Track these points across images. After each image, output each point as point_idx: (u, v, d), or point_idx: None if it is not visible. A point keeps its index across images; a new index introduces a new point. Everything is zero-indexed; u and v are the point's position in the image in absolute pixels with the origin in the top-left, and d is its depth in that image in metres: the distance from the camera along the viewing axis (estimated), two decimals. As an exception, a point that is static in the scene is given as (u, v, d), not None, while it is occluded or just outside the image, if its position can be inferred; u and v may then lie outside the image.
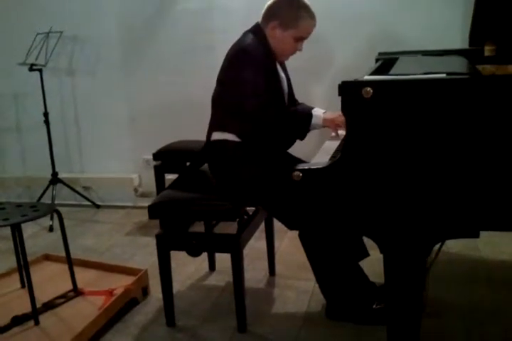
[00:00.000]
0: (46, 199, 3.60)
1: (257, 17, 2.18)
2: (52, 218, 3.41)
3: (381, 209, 1.50)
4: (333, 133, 2.17)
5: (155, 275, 2.29)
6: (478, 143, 1.41)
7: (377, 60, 2.49)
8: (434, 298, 2.22)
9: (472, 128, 1.40)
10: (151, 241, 2.66)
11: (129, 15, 3.55)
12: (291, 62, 2.26)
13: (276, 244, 2.69)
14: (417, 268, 1.54)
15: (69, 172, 3.91)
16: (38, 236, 3.33)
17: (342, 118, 2.06)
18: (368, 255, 2.19)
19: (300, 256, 2.34)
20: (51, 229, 3.40)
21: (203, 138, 2.21)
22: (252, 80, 1.98)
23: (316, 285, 2.26)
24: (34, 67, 3.46)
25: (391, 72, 1.74)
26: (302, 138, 2.08)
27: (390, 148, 1.46)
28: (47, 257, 2.71)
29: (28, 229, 3.31)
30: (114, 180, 3.84)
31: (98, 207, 3.86)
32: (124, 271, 2.50)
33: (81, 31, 3.63)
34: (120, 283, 2.35)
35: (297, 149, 2.19)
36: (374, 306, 2.11)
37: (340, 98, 1.48)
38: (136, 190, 3.82)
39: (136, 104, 3.70)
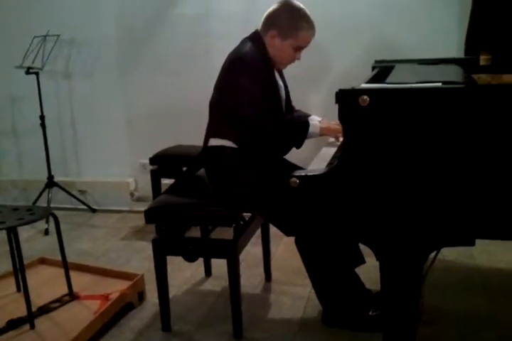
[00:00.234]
0: (42, 203, 3.60)
1: (255, 23, 2.19)
2: (47, 222, 3.40)
3: (377, 216, 1.51)
4: (332, 139, 2.18)
5: (151, 280, 2.29)
6: (473, 152, 1.42)
7: (373, 68, 2.50)
8: (429, 305, 2.23)
9: (468, 136, 1.42)
10: (147, 246, 2.66)
11: (126, 19, 3.56)
12: (289, 70, 2.27)
13: (273, 249, 2.70)
14: (413, 276, 1.56)
15: (65, 176, 3.90)
16: (33, 239, 3.33)
17: (337, 127, 2.08)
18: (364, 262, 2.20)
19: (296, 261, 2.35)
20: (47, 232, 3.40)
21: (200, 143, 2.22)
22: (249, 88, 1.98)
23: (312, 291, 2.27)
24: (31, 70, 3.46)
25: (387, 80, 1.76)
26: (298, 146, 2.07)
27: (386, 156, 1.47)
28: (43, 261, 2.71)
29: (24, 233, 3.30)
30: (110, 184, 3.84)
31: (94, 211, 3.86)
32: (120, 275, 2.50)
33: (78, 34, 3.64)
34: (116, 288, 2.35)
35: (294, 155, 2.20)
36: (370, 313, 2.12)
37: (337, 106, 1.50)
38: (132, 195, 3.83)
39: (133, 108, 3.70)
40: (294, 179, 1.55)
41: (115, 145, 3.79)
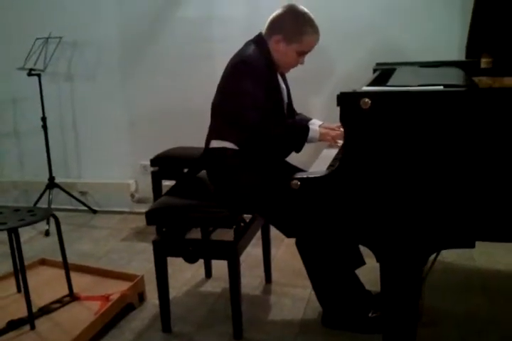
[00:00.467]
0: (42, 204, 3.60)
1: (257, 27, 2.20)
2: (48, 223, 3.41)
3: (378, 218, 1.52)
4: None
5: (151, 281, 2.30)
6: (474, 155, 1.43)
7: (374, 71, 2.51)
8: (429, 307, 2.23)
9: (468, 139, 1.43)
10: (148, 247, 2.66)
11: (128, 22, 3.57)
12: (291, 73, 2.28)
13: (273, 251, 2.70)
14: (413, 277, 1.56)
15: (66, 177, 3.91)
16: (34, 240, 3.33)
17: (337, 132, 2.08)
18: (364, 263, 2.20)
19: (296, 263, 2.35)
20: (47, 233, 3.40)
21: (201, 144, 2.23)
22: (251, 92, 1.99)
23: (312, 293, 2.27)
24: (33, 72, 3.47)
25: (389, 83, 1.77)
26: (298, 150, 2.08)
27: (387, 159, 1.48)
28: (43, 262, 2.71)
29: (25, 234, 3.30)
30: (111, 185, 3.84)
31: (95, 212, 3.86)
32: (121, 276, 2.50)
33: (80, 37, 3.64)
34: (116, 289, 2.35)
35: (295, 157, 2.20)
36: (370, 314, 2.12)
37: (338, 108, 1.51)
38: (132, 196, 3.83)
39: (135, 110, 3.71)
40: (295, 181, 1.56)
41: (116, 147, 3.80)
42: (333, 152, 2.04)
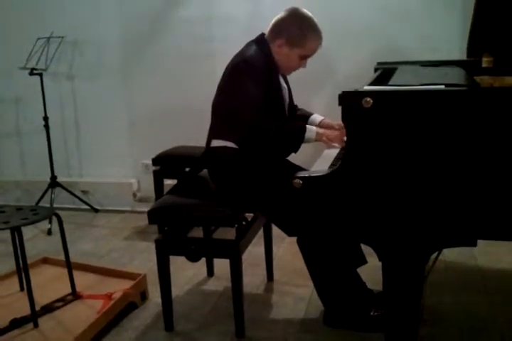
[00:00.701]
0: (45, 203, 3.61)
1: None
2: (51, 222, 3.41)
3: (380, 217, 1.52)
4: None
5: (153, 280, 2.31)
6: (475, 154, 1.44)
7: (376, 70, 2.52)
8: (430, 305, 2.24)
9: (470, 138, 1.43)
10: (150, 246, 2.68)
11: (129, 21, 3.58)
12: (292, 74, 2.27)
13: (275, 249, 2.71)
14: (415, 276, 1.57)
15: (68, 176, 3.92)
16: (36, 239, 3.34)
17: (334, 133, 2.07)
18: (365, 262, 2.21)
19: (298, 262, 2.36)
20: (50, 232, 3.41)
21: (203, 143, 2.24)
22: (250, 92, 2.00)
23: (314, 292, 2.27)
24: (35, 72, 3.48)
25: (390, 82, 1.77)
26: (295, 150, 2.07)
27: (389, 157, 1.48)
28: (46, 260, 2.72)
29: (27, 233, 3.30)
30: (112, 184, 3.85)
31: (96, 211, 3.87)
32: (123, 275, 2.51)
33: (81, 36, 3.66)
34: (119, 287, 2.36)
35: (297, 156, 2.20)
36: (371, 313, 2.13)
37: (340, 108, 1.51)
38: (134, 195, 3.84)
39: (136, 109, 3.72)
40: (297, 180, 1.56)
41: (118, 146, 3.80)
42: (334, 151, 2.05)
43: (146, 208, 2.21)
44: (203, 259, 2.51)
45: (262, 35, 2.17)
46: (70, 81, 3.80)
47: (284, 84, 2.23)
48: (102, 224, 3.64)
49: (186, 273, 2.71)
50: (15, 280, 2.43)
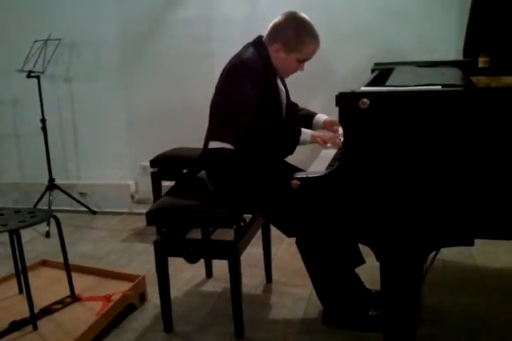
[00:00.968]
0: (43, 205, 3.61)
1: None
2: (49, 224, 3.41)
3: (378, 217, 1.53)
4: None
5: (152, 282, 2.31)
6: (472, 154, 1.44)
7: (372, 71, 2.52)
8: (429, 305, 2.24)
9: (466, 138, 1.44)
10: (148, 248, 2.68)
11: (127, 23, 3.58)
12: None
13: (273, 250, 2.71)
14: (413, 276, 1.57)
15: (66, 179, 3.93)
16: (35, 242, 3.34)
17: (328, 135, 2.08)
18: (363, 262, 2.22)
19: (297, 262, 2.36)
20: (48, 234, 3.41)
21: (201, 145, 2.24)
22: (246, 93, 2.00)
23: (313, 292, 2.28)
24: (32, 74, 3.48)
25: (387, 83, 1.78)
26: (291, 152, 2.08)
27: (386, 158, 1.49)
28: (44, 263, 2.72)
29: (26, 235, 3.29)
30: (110, 186, 3.85)
31: (94, 213, 3.87)
32: (122, 277, 2.51)
33: (79, 38, 3.66)
34: (118, 289, 2.36)
35: (294, 157, 2.21)
36: (370, 313, 2.13)
37: (337, 109, 1.52)
38: (132, 197, 3.84)
39: (134, 111, 3.72)
40: (295, 181, 1.57)
41: (116, 148, 3.81)
42: (332, 152, 2.05)
43: (144, 210, 2.21)
44: (202, 260, 2.52)
45: (260, 37, 2.17)
46: (67, 83, 3.80)
47: (281, 87, 2.24)
48: (100, 226, 3.64)
49: (185, 274, 2.72)
50: (14, 282, 2.43)
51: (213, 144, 2.15)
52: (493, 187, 1.45)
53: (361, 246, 1.98)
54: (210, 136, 2.19)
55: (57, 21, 3.63)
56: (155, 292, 2.27)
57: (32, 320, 2.10)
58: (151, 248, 2.17)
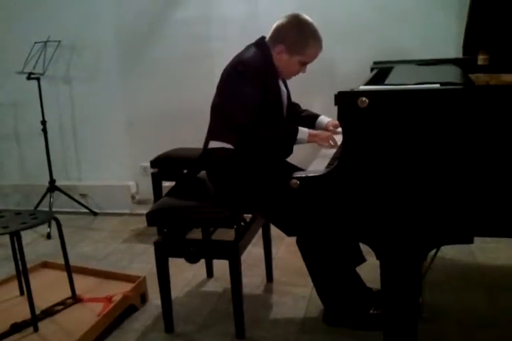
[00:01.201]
0: (43, 207, 3.61)
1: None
2: (50, 225, 3.42)
3: (377, 215, 1.53)
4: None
5: (153, 282, 2.31)
6: (471, 152, 1.44)
7: (372, 69, 2.52)
8: (429, 303, 2.24)
9: (466, 137, 1.43)
10: (148, 249, 2.68)
11: (126, 23, 3.59)
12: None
13: (274, 250, 2.71)
14: (412, 274, 1.57)
15: (66, 180, 3.93)
16: (35, 243, 3.34)
17: (326, 134, 2.08)
18: (364, 261, 2.22)
19: (297, 262, 2.36)
20: (49, 236, 3.41)
21: (201, 145, 2.24)
22: (247, 94, 2.00)
23: (314, 291, 2.28)
24: (32, 76, 3.49)
25: (386, 81, 1.77)
26: (288, 152, 2.08)
27: (385, 157, 1.49)
28: (45, 264, 2.73)
29: (27, 237, 3.30)
30: (111, 187, 3.85)
31: (95, 214, 3.87)
32: (123, 277, 2.52)
33: (78, 40, 3.67)
34: (118, 290, 2.36)
35: (294, 156, 2.21)
36: (371, 311, 2.13)
37: (336, 108, 1.52)
38: (133, 197, 3.84)
39: (134, 112, 3.73)
40: (294, 180, 1.57)
41: (116, 149, 3.81)
42: (331, 151, 2.05)
43: (144, 210, 2.21)
44: (202, 261, 2.52)
45: (263, 38, 2.16)
46: (67, 85, 3.81)
47: (283, 88, 2.23)
48: (101, 227, 3.64)
49: (186, 274, 2.72)
50: (15, 284, 2.43)
51: (213, 144, 2.16)
52: (492, 185, 1.45)
53: (362, 245, 1.98)
54: (211, 135, 2.19)
55: (57, 23, 3.64)
56: (156, 292, 2.27)
57: (33, 322, 2.10)
58: (151, 248, 2.17)
